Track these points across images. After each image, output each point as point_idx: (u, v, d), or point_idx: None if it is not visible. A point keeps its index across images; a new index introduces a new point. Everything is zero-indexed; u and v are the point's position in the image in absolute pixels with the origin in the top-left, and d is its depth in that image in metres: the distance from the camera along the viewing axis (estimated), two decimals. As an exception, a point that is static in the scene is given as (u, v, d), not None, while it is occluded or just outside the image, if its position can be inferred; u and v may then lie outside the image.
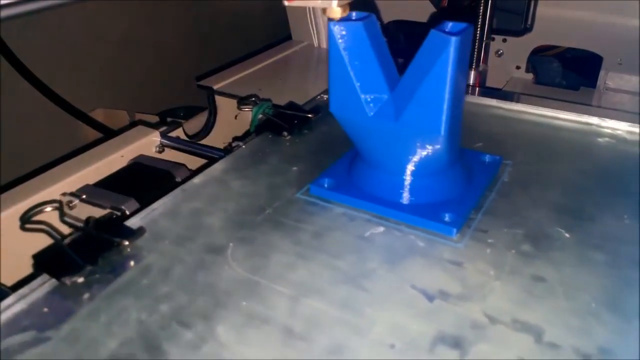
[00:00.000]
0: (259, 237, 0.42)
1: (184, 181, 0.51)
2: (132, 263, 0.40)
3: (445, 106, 0.38)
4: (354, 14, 0.40)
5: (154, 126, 0.66)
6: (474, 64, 0.80)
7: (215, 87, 0.79)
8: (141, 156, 0.61)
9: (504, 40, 0.90)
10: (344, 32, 0.39)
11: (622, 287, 0.37)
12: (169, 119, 0.93)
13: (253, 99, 0.64)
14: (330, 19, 0.40)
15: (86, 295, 0.37)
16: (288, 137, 0.58)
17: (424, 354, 0.32)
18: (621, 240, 0.41)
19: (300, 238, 0.42)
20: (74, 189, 0.53)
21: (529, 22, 0.86)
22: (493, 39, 0.86)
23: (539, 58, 0.94)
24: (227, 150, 0.59)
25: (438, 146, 0.41)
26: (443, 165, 0.43)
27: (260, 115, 0.63)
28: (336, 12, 0.39)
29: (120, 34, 1.00)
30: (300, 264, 0.40)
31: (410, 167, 0.43)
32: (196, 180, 0.50)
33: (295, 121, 0.60)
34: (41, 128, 0.89)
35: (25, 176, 0.54)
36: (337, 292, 0.37)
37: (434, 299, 0.36)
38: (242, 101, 0.64)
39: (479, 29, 0.77)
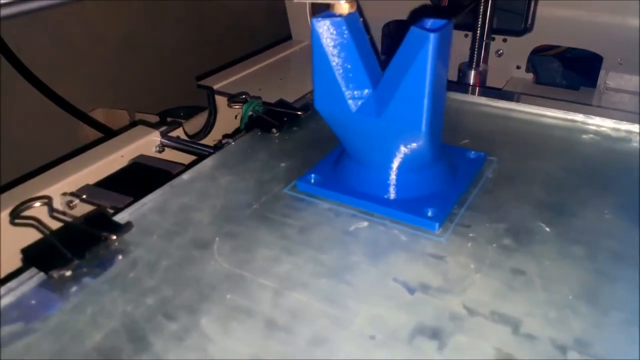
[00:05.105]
0: (245, 232, 0.43)
1: (174, 177, 0.51)
2: (119, 257, 0.40)
3: (425, 103, 0.38)
4: (337, 10, 0.41)
5: (154, 126, 0.66)
6: (474, 63, 0.81)
7: (215, 87, 0.80)
8: (141, 156, 0.62)
9: (504, 40, 0.90)
10: (326, 28, 0.40)
11: (599, 279, 0.37)
12: (169, 119, 0.94)
13: (243, 96, 0.65)
14: (314, 17, 0.41)
15: (73, 289, 0.37)
16: (277, 134, 0.59)
17: (403, 345, 0.33)
18: (601, 234, 0.42)
19: (286, 233, 0.43)
20: (74, 189, 0.54)
21: (529, 22, 0.86)
22: (493, 39, 0.87)
23: (539, 58, 0.94)
24: (217, 147, 0.60)
25: (420, 142, 0.41)
26: (426, 160, 0.44)
27: (251, 113, 0.63)
28: (344, 7, 0.40)
29: (120, 33, 1.00)
30: (285, 258, 0.40)
31: (393, 163, 0.44)
32: (185, 176, 0.51)
33: (285, 118, 0.61)
34: (41, 128, 0.90)
35: (25, 176, 0.54)
36: (320, 285, 0.38)
37: (414, 292, 0.37)
38: (232, 99, 0.65)
39: (479, 29, 0.78)
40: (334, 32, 0.40)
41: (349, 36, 0.40)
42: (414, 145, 0.42)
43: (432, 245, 0.41)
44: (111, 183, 0.57)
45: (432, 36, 0.36)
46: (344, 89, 0.42)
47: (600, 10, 0.79)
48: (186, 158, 0.64)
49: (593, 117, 0.59)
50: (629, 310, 0.35)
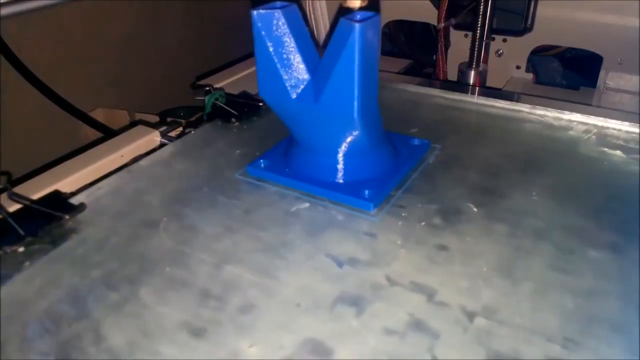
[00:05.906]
0: (192, 213, 0.46)
1: (131, 163, 0.54)
2: (71, 235, 0.43)
3: (355, 90, 0.41)
4: (277, 2, 0.44)
5: (154, 126, 0.67)
6: (474, 63, 0.82)
7: (215, 87, 0.81)
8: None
9: (504, 40, 0.89)
10: (264, 19, 0.42)
11: (516, 254, 0.40)
12: (169, 119, 0.94)
13: (207, 87, 0.67)
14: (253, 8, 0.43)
15: (26, 264, 0.40)
16: (236, 124, 0.61)
17: (325, 312, 0.35)
18: (525, 213, 0.44)
19: (232, 213, 0.46)
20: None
21: (529, 22, 0.86)
22: (493, 39, 0.87)
23: (539, 58, 0.94)
24: (179, 136, 0.62)
25: (355, 128, 0.44)
26: (364, 146, 0.46)
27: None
28: (355, 2, 0.42)
29: (120, 33, 1.00)
30: (226, 236, 0.43)
31: (333, 148, 0.46)
32: (143, 162, 0.54)
33: (246, 109, 0.64)
34: (41, 128, 0.89)
35: (26, 176, 0.54)
36: (256, 259, 0.40)
37: (343, 265, 0.39)
38: (195, 91, 0.67)
39: (479, 29, 0.79)
40: (272, 24, 0.43)
41: (286, 27, 0.43)
42: (350, 131, 0.44)
43: (367, 224, 0.44)
44: None
45: (357, 26, 0.38)
46: (284, 76, 0.44)
47: (600, 10, 0.79)
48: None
49: (538, 107, 0.62)
50: (539, 281, 0.38)
